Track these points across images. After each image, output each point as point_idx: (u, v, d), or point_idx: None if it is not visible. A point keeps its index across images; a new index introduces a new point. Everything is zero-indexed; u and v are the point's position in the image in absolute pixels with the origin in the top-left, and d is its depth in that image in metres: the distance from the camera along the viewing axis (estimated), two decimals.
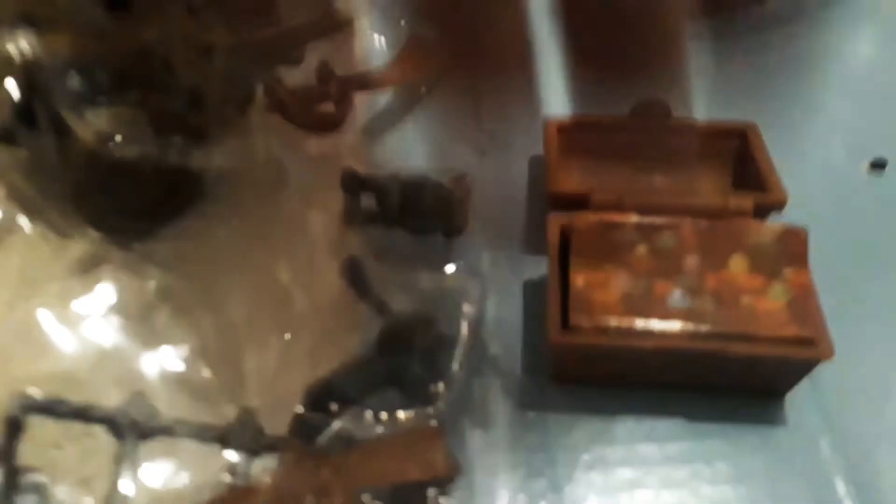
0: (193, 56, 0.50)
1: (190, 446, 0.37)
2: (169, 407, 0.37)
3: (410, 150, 0.54)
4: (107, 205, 0.46)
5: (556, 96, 0.55)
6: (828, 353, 0.38)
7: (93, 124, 0.45)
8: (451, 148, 0.55)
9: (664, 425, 0.41)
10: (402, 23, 0.59)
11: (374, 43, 0.60)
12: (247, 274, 0.44)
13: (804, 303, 0.39)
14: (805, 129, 0.53)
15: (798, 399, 0.41)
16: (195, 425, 0.38)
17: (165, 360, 0.40)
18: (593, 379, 0.42)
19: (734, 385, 0.41)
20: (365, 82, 0.54)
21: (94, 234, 0.46)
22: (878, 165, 0.51)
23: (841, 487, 0.38)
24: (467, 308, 0.44)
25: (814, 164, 0.52)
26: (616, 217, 0.42)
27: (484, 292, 0.45)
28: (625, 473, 0.39)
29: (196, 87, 0.49)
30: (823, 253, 0.42)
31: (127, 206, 0.47)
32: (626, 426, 0.41)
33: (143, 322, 0.42)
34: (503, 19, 0.59)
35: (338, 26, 0.58)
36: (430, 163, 0.53)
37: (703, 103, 0.54)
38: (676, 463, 0.40)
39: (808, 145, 0.53)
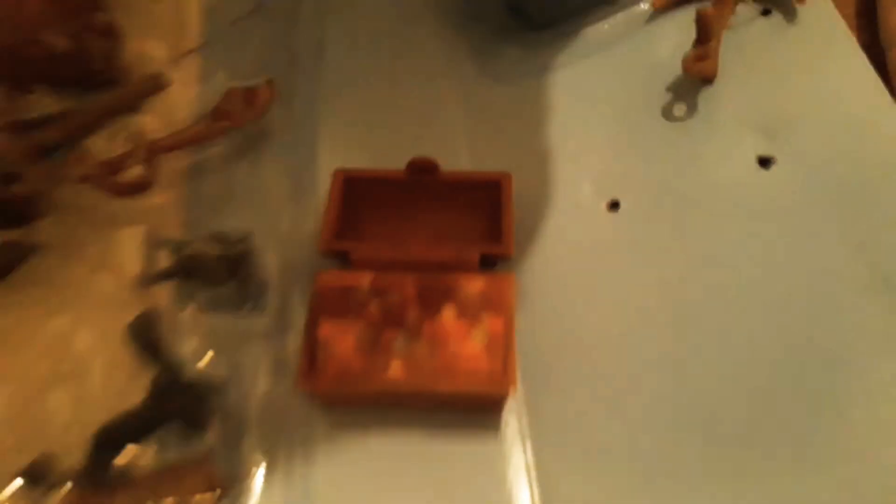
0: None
1: None
2: None
3: (217, 204, 0.61)
4: None
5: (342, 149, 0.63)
6: (510, 389, 0.47)
7: None
8: (261, 196, 0.62)
9: (407, 437, 0.50)
10: (218, 83, 0.66)
11: (192, 100, 0.66)
12: (44, 341, 0.52)
13: (498, 346, 0.48)
14: (558, 173, 0.62)
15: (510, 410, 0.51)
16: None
17: None
18: (353, 402, 0.51)
19: (459, 404, 0.50)
20: (174, 143, 0.61)
21: None
22: (615, 205, 0.59)
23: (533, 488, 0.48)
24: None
25: (566, 203, 0.60)
26: (354, 280, 0.51)
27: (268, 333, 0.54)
28: (376, 468, 0.49)
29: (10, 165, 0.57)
30: (565, 277, 0.53)
31: None
32: (378, 438, 0.50)
33: None
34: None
35: (156, 88, 0.65)
36: (240, 216, 0.61)
37: (476, 155, 0.62)
38: (414, 465, 0.49)
39: (561, 187, 0.61)
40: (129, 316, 0.53)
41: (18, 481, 0.47)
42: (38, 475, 0.47)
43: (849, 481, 0.47)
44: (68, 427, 0.49)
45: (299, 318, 0.53)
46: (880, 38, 0.66)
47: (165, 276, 0.55)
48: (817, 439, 0.49)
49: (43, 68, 0.63)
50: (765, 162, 0.60)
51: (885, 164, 0.58)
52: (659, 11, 0.70)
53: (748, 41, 0.66)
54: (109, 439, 0.48)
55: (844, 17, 0.68)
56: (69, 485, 0.47)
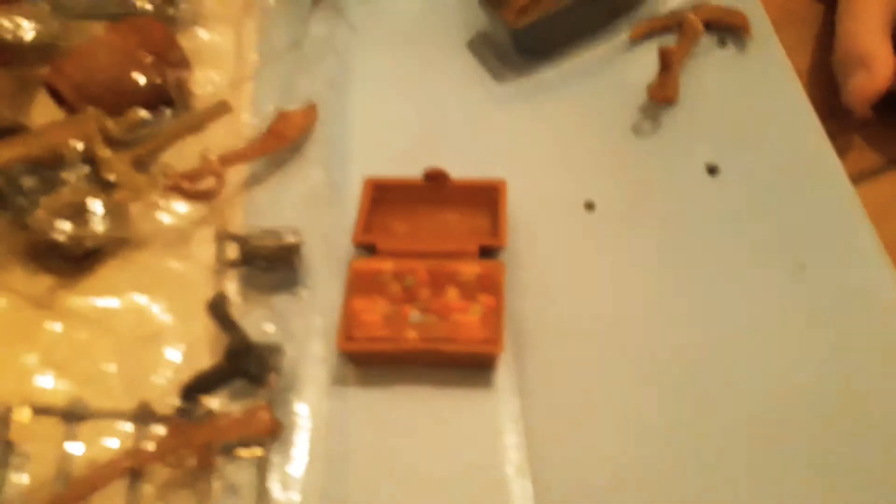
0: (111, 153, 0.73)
1: (111, 424, 0.62)
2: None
3: (271, 207, 0.76)
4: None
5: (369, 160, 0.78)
6: (499, 350, 0.62)
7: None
8: (306, 200, 0.77)
9: (421, 390, 0.64)
10: (269, 107, 0.81)
11: (248, 121, 0.81)
12: (134, 314, 0.68)
13: (490, 317, 0.63)
14: (545, 180, 0.76)
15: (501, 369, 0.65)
16: (113, 410, 0.63)
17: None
18: (378, 362, 0.66)
19: (462, 362, 0.65)
20: (237, 157, 0.76)
21: None
22: (590, 206, 0.74)
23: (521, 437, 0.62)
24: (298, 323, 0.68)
25: (550, 204, 0.75)
26: (379, 266, 0.66)
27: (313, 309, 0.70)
28: (396, 415, 0.63)
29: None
30: (548, 264, 0.68)
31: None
32: (398, 390, 0.64)
33: None
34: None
35: (221, 113, 0.80)
36: (289, 217, 0.75)
37: (479, 164, 0.77)
38: (426, 410, 0.63)
39: (548, 191, 0.75)
40: (206, 296, 0.68)
41: (128, 425, 0.62)
42: (140, 417, 0.62)
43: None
44: (162, 381, 0.64)
45: (338, 296, 0.68)
46: (833, 62, 0.77)
47: (232, 264, 0.70)
48: (788, 415, 0.61)
49: (132, 97, 0.78)
50: (713, 170, 0.73)
51: (806, 175, 0.72)
52: (635, 42, 0.83)
53: (706, 68, 0.79)
54: (194, 389, 0.63)
55: (807, 36, 0.81)
56: (163, 425, 0.62)
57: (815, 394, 0.62)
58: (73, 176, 0.73)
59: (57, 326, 0.68)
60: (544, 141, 0.78)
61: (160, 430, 0.61)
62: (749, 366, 0.63)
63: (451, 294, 0.64)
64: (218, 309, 0.66)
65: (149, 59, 0.78)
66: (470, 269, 0.65)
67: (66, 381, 0.65)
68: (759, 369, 0.63)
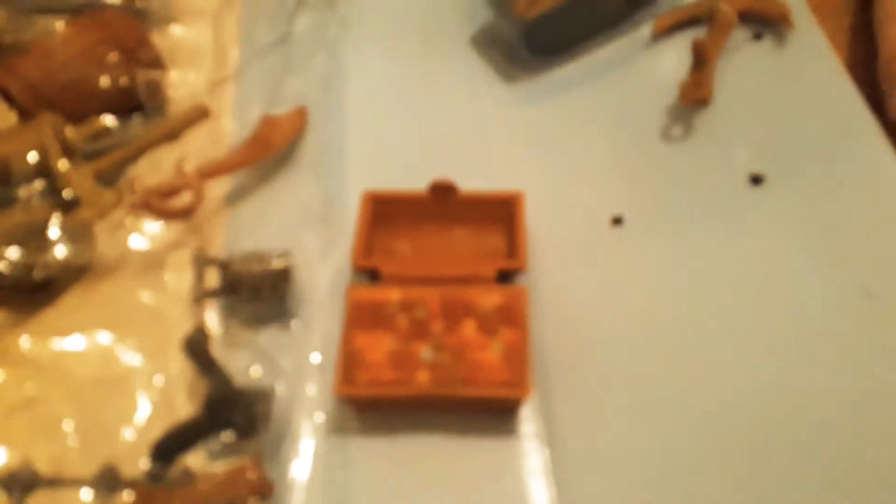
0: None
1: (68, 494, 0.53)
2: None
3: (257, 225, 0.67)
4: None
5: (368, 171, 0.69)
6: (525, 394, 0.53)
7: None
8: (296, 216, 0.68)
9: (434, 439, 0.55)
10: (253, 111, 0.72)
11: (230, 128, 0.72)
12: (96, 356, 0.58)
13: (514, 355, 0.54)
14: (566, 191, 0.67)
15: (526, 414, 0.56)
16: (70, 476, 0.53)
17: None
18: (384, 407, 0.57)
19: (481, 407, 0.56)
20: (217, 169, 0.67)
21: None
22: (618, 221, 0.65)
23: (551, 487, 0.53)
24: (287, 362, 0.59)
25: (574, 218, 0.66)
26: (384, 295, 0.57)
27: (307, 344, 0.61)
28: (405, 469, 0.54)
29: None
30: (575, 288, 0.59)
31: None
32: (407, 440, 0.55)
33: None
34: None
35: (198, 118, 0.71)
36: (277, 235, 0.67)
37: (491, 175, 0.68)
38: (440, 463, 0.55)
39: (569, 204, 0.67)
40: (182, 332, 0.59)
41: (86, 492, 0.53)
42: (103, 484, 0.53)
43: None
44: (129, 436, 0.55)
45: (336, 328, 0.59)
46: (880, 52, 0.70)
47: (213, 293, 0.61)
48: (823, 446, 0.53)
49: (96, 101, 0.69)
50: (757, 180, 0.65)
51: (862, 183, 0.64)
52: (659, 36, 0.75)
53: (741, 65, 0.71)
54: (168, 447, 0.54)
55: (838, 29, 0.73)
56: (130, 491, 0.53)
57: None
58: (26, 192, 0.63)
59: None
60: (563, 147, 0.70)
61: (128, 498, 0.52)
62: (811, 412, 0.55)
63: (468, 328, 0.56)
64: (196, 347, 0.57)
65: (115, 58, 0.69)
66: (489, 298, 0.56)
67: (10, 442, 0.55)
68: (822, 415, 0.55)
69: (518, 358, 0.54)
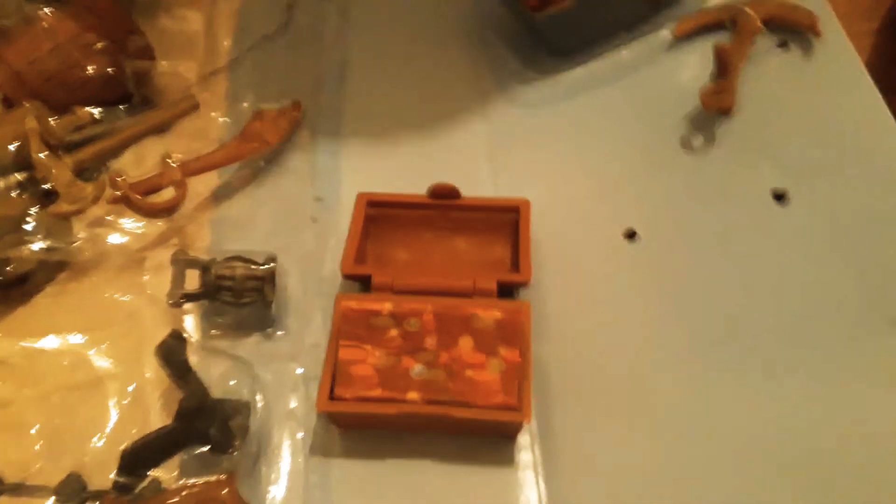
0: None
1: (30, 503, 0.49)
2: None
3: (244, 226, 0.63)
4: None
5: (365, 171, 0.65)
6: (525, 420, 0.49)
7: None
8: (285, 218, 0.64)
9: (423, 464, 0.51)
10: (245, 105, 0.68)
11: (221, 121, 0.68)
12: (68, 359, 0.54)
13: (513, 376, 0.50)
14: (576, 199, 0.63)
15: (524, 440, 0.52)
16: (33, 484, 0.49)
17: None
18: (370, 426, 0.53)
19: (475, 431, 0.52)
20: (205, 165, 0.63)
21: None
22: (631, 235, 0.61)
23: None
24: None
25: (584, 230, 0.62)
26: (374, 305, 0.53)
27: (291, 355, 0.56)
28: (391, 494, 0.50)
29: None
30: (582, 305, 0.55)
31: None
32: (393, 463, 0.51)
33: None
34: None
35: (188, 110, 0.67)
36: (265, 236, 0.63)
37: (497, 180, 0.64)
38: (429, 489, 0.50)
39: (580, 214, 0.63)
40: (158, 336, 0.54)
41: (50, 501, 0.49)
42: (68, 493, 0.49)
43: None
44: (99, 444, 0.51)
45: (322, 339, 0.55)
46: None
47: (192, 296, 0.57)
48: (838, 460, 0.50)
49: (83, 91, 0.65)
50: (780, 197, 0.60)
51: (889, 202, 0.59)
52: (680, 39, 0.71)
53: (765, 74, 0.67)
54: (138, 458, 0.49)
55: (863, 32, 0.69)
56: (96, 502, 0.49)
57: None
58: (3, 184, 0.60)
59: None
60: (574, 154, 0.66)
61: None
62: (832, 450, 0.50)
63: (465, 345, 0.51)
64: (170, 354, 0.53)
65: (103, 47, 0.65)
66: (488, 313, 0.52)
67: None
68: (846, 455, 0.50)
69: (518, 379, 0.50)
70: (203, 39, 0.72)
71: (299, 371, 0.56)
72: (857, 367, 0.53)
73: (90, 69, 0.65)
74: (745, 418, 0.52)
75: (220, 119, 0.68)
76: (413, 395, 0.50)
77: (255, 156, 0.65)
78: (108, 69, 0.66)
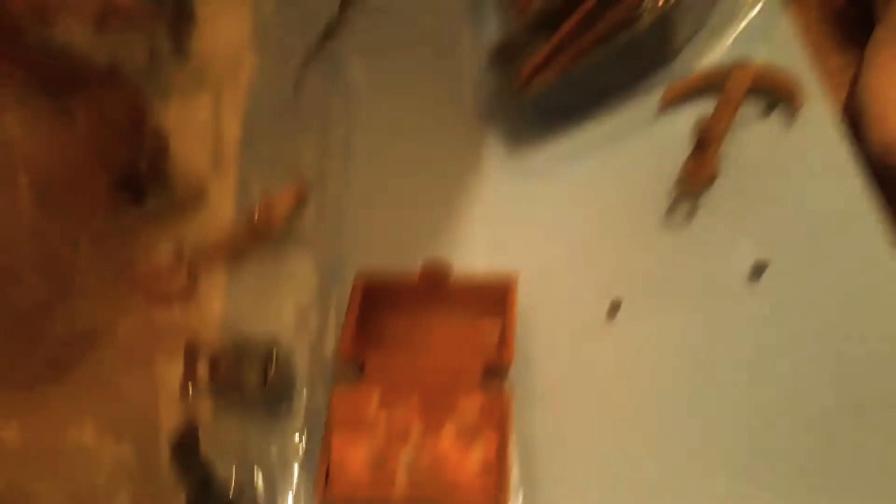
0: None
1: None
2: None
3: (252, 305, 0.67)
4: None
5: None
6: None
7: None
8: (292, 295, 0.68)
9: None
10: (257, 189, 0.72)
11: (230, 207, 0.73)
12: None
13: (493, 465, 0.54)
14: (563, 270, 0.66)
15: None
16: None
17: None
18: None
19: None
20: (215, 252, 0.68)
21: None
22: (615, 308, 0.63)
23: None
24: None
25: (569, 305, 0.65)
26: (365, 396, 0.57)
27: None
28: None
29: None
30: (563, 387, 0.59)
31: None
32: None
33: None
34: None
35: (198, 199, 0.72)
36: (274, 314, 0.67)
37: (490, 250, 0.67)
38: None
39: (566, 286, 0.65)
40: (168, 424, 0.59)
41: None
42: None
43: None
44: None
45: (320, 421, 0.59)
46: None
47: (203, 388, 0.61)
48: None
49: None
50: (758, 270, 0.62)
51: (876, 292, 0.61)
52: (666, 108, 0.72)
53: (749, 142, 0.68)
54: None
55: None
56: None
57: None
58: None
59: None
60: (562, 225, 0.69)
61: None
62: None
63: (447, 436, 0.55)
64: (185, 451, 0.57)
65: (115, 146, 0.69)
66: (471, 403, 0.56)
67: None
68: None
69: (498, 467, 0.54)
70: (213, 123, 0.76)
71: (303, 454, 0.60)
72: (828, 454, 0.55)
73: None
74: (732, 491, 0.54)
75: (230, 205, 0.71)
76: (400, 482, 0.54)
77: (263, 240, 0.69)
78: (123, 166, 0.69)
